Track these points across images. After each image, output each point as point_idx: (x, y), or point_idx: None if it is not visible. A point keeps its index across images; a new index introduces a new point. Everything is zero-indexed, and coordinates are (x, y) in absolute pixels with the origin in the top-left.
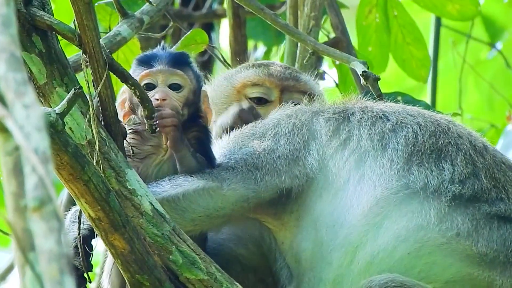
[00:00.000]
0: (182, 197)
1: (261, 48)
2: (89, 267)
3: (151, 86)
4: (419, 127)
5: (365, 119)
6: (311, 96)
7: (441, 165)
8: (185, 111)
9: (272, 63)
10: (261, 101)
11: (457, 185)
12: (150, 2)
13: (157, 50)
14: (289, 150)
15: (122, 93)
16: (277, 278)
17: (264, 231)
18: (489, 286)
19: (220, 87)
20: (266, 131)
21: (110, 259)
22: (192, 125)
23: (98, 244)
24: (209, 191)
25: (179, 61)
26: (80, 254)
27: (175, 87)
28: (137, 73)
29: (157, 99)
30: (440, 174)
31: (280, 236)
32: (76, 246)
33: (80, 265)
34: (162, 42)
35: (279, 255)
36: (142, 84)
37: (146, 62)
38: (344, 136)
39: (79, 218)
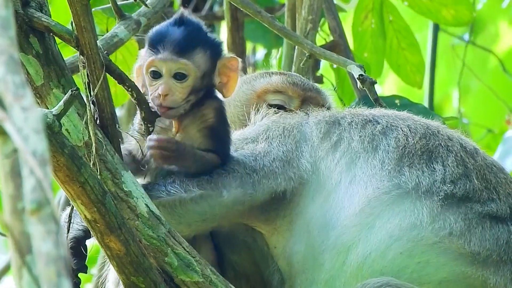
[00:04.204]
0: (179, 204)
1: (260, 51)
2: (84, 269)
3: (157, 75)
4: (409, 130)
5: (356, 122)
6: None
7: (432, 166)
8: (191, 97)
9: (292, 73)
10: (280, 109)
11: (449, 185)
12: (145, 5)
13: (169, 27)
14: (282, 152)
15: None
16: (269, 283)
17: (257, 236)
18: (483, 285)
19: (239, 89)
20: (258, 135)
21: None
22: (207, 105)
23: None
24: (207, 199)
25: (186, 46)
26: (73, 255)
27: (180, 76)
28: (147, 54)
29: (160, 94)
30: (431, 174)
31: (273, 241)
32: (70, 247)
33: (74, 266)
34: (181, 12)
35: (271, 260)
36: (149, 71)
37: (154, 44)
38: (335, 138)
39: (69, 219)
